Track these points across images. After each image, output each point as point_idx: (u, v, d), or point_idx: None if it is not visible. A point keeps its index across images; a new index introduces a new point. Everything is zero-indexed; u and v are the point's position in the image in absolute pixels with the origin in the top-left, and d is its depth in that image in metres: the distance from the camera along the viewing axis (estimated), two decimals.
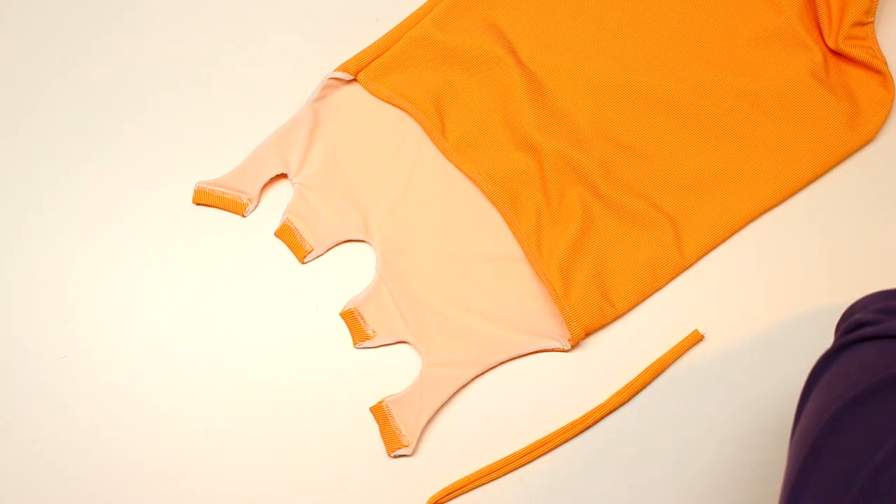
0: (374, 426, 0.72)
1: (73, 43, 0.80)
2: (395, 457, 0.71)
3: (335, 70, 0.77)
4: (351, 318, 0.74)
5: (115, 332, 0.75)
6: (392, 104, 0.77)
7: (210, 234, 0.76)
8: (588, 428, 0.72)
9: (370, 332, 0.74)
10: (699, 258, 0.74)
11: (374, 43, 0.78)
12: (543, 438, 0.72)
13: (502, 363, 0.73)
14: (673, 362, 0.73)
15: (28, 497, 0.72)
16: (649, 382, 0.73)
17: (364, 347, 0.74)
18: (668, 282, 0.74)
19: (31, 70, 0.79)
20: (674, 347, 0.73)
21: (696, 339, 0.73)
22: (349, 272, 0.75)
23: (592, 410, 0.72)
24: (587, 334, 0.73)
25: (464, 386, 0.73)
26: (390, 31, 0.78)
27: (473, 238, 0.75)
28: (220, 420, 0.73)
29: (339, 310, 0.74)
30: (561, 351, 0.73)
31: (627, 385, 0.73)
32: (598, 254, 0.74)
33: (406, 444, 0.71)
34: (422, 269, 0.75)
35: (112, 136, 0.78)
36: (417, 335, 0.73)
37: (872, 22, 0.75)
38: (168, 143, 0.78)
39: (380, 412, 0.72)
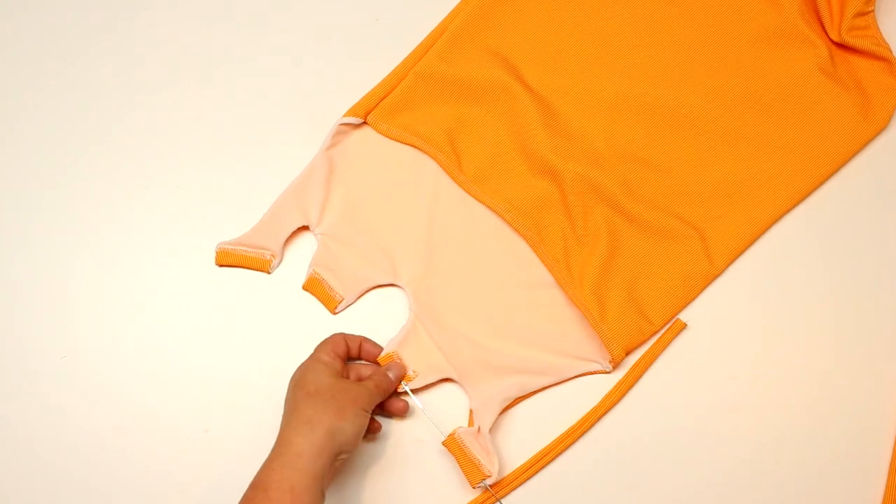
0: None
1: (73, 43, 0.80)
2: (479, 487, 0.70)
3: (344, 115, 0.76)
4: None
5: (115, 332, 0.74)
6: (405, 143, 0.76)
7: (210, 234, 0.76)
8: (586, 431, 0.72)
9: (411, 373, 0.73)
10: (729, 264, 0.75)
11: (380, 83, 0.77)
12: (544, 450, 0.72)
13: (546, 388, 0.73)
14: (660, 353, 0.73)
15: (28, 497, 0.72)
16: (640, 376, 0.73)
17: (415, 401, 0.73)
18: (700, 291, 0.74)
19: (31, 70, 0.79)
20: (658, 339, 0.73)
21: (679, 327, 0.73)
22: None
23: (589, 413, 0.72)
24: (627, 353, 0.73)
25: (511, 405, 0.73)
26: (395, 69, 0.77)
27: (503, 268, 0.75)
28: (220, 420, 0.73)
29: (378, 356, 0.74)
30: (603, 373, 0.73)
31: (619, 384, 0.73)
32: (629, 272, 0.74)
33: (488, 473, 0.69)
34: (455, 303, 0.74)
35: (112, 135, 0.78)
36: (460, 370, 0.73)
37: (873, 10, 0.75)
38: (168, 143, 0.78)
39: (454, 444, 0.70)
